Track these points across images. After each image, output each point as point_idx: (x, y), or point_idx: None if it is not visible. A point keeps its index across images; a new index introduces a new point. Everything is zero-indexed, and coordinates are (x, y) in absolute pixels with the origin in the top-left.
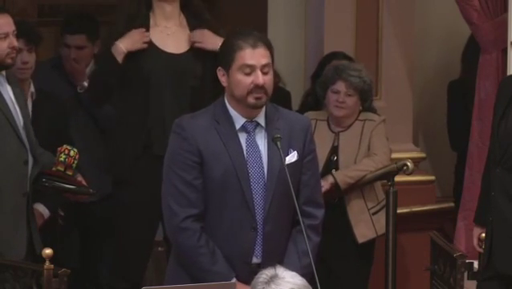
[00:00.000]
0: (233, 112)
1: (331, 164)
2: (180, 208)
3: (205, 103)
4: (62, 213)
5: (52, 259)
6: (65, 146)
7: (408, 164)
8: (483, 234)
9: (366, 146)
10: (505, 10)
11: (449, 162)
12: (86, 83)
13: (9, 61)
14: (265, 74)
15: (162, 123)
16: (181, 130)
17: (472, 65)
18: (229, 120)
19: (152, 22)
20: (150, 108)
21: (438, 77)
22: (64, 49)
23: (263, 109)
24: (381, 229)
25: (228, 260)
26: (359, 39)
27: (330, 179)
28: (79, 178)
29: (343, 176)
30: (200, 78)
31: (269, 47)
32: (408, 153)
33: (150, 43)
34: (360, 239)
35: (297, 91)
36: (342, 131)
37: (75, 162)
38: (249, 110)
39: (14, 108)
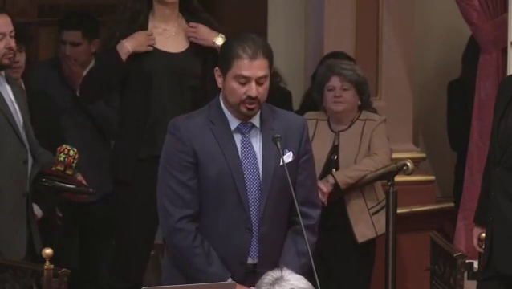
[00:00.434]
0: (228, 113)
1: (332, 164)
2: (175, 208)
3: (206, 102)
4: (60, 214)
5: (52, 259)
6: (64, 146)
7: (408, 164)
8: (483, 234)
9: (366, 146)
10: (505, 10)
11: (449, 162)
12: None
13: (6, 61)
14: (260, 85)
15: (163, 123)
16: (176, 130)
17: (472, 65)
18: (224, 121)
19: (151, 24)
20: (151, 109)
21: (438, 77)
22: (61, 46)
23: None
24: (381, 229)
25: (223, 261)
26: (359, 39)
27: (330, 179)
28: (79, 178)
29: (343, 176)
30: (200, 77)
31: (268, 56)
32: (408, 153)
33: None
34: (360, 239)
35: (297, 91)
36: (342, 130)
37: (75, 162)
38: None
39: (14, 108)
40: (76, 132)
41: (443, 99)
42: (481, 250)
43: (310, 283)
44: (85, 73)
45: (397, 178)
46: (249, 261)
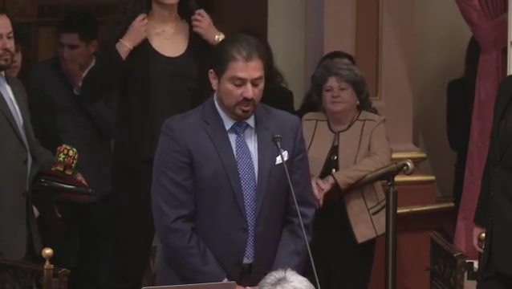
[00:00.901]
0: (222, 114)
1: (331, 164)
2: (170, 209)
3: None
4: (59, 215)
5: (52, 259)
6: (64, 146)
7: (408, 164)
8: (483, 234)
9: (366, 146)
10: (505, 10)
11: (449, 162)
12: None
13: (2, 62)
14: (255, 86)
15: (159, 124)
16: (171, 131)
17: (473, 65)
18: (219, 121)
19: (150, 24)
20: (150, 111)
21: (438, 77)
22: (59, 48)
23: None
24: (381, 230)
25: (219, 261)
26: (359, 39)
27: (330, 180)
28: (79, 178)
29: (343, 176)
30: (197, 79)
31: (263, 56)
32: (408, 153)
33: (148, 47)
34: (360, 239)
35: (297, 91)
36: (342, 130)
37: (75, 162)
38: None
39: (14, 108)
40: (76, 133)
41: (443, 99)
42: (481, 250)
43: (312, 285)
44: (85, 74)
45: (397, 178)
46: (245, 261)
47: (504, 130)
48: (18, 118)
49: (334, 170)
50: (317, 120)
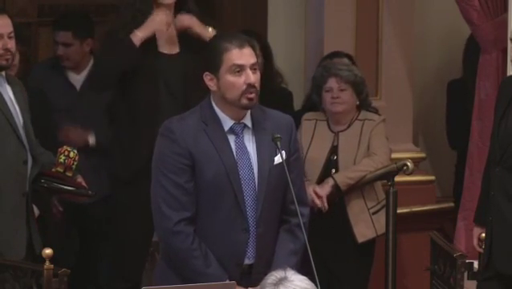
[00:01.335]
0: (221, 115)
1: (331, 164)
2: (172, 211)
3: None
4: (61, 209)
5: (52, 259)
6: (65, 147)
7: (408, 164)
8: (483, 234)
9: (365, 146)
10: (505, 10)
11: (449, 162)
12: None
13: (3, 62)
14: (254, 72)
15: (159, 124)
16: (171, 133)
17: (472, 65)
18: (218, 123)
19: None
20: (147, 109)
21: (438, 77)
22: (55, 46)
23: (249, 111)
24: (381, 229)
25: (220, 262)
26: (359, 39)
27: (330, 181)
28: (79, 179)
29: (343, 177)
30: (192, 77)
31: (253, 47)
32: (408, 153)
33: (153, 45)
34: (360, 239)
35: (297, 91)
36: (341, 130)
37: (75, 163)
38: (239, 112)
39: (14, 108)
40: None
41: (443, 99)
42: (481, 250)
43: (313, 284)
44: (85, 75)
45: (397, 178)
46: (246, 262)
47: (504, 130)
48: (18, 118)
49: (334, 170)
50: (316, 120)
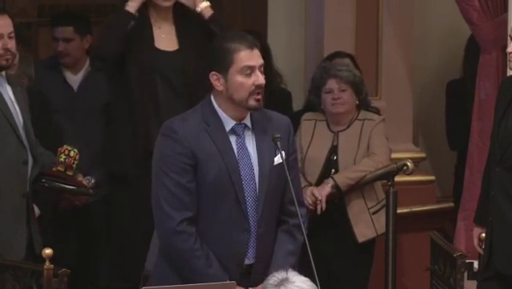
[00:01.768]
0: (222, 115)
1: (331, 164)
2: (174, 211)
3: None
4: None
5: (52, 259)
6: (65, 146)
7: (408, 164)
8: (483, 234)
9: (365, 146)
10: (505, 10)
11: (449, 162)
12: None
13: (3, 62)
14: (262, 73)
15: (157, 119)
16: (173, 133)
17: (471, 65)
18: (219, 123)
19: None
20: (145, 105)
21: (438, 77)
22: (54, 43)
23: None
24: (381, 229)
25: (220, 262)
26: (359, 39)
27: (330, 182)
28: (80, 178)
29: (344, 177)
30: (192, 75)
31: (258, 48)
32: (408, 153)
33: (149, 42)
34: (360, 239)
35: (297, 91)
36: (341, 130)
37: (76, 162)
38: (242, 112)
39: (14, 108)
40: (74, 133)
41: (443, 99)
42: (481, 251)
43: (314, 285)
44: (82, 76)
45: (397, 178)
46: (246, 262)
47: (504, 130)
48: (18, 118)
49: (333, 170)
50: (316, 120)
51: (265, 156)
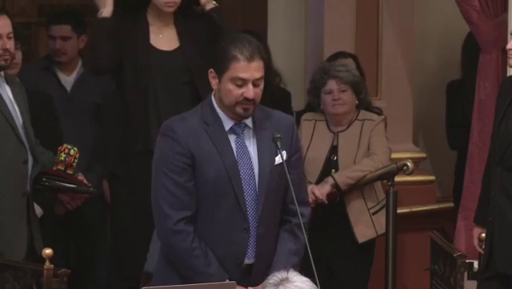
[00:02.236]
0: (221, 114)
1: (331, 164)
2: (173, 210)
3: (199, 99)
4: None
5: (52, 259)
6: (65, 145)
7: (408, 164)
8: (483, 234)
9: (365, 146)
10: (505, 10)
11: (449, 162)
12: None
13: (2, 63)
14: (256, 86)
15: (157, 119)
16: (172, 132)
17: (471, 65)
18: (219, 122)
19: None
20: (144, 105)
21: (438, 77)
22: (50, 41)
23: None
24: (381, 229)
25: (220, 261)
26: (359, 39)
27: (330, 181)
28: (80, 177)
29: (344, 177)
30: (193, 73)
31: (263, 57)
32: (408, 153)
33: (145, 41)
34: (360, 239)
35: (297, 91)
36: (341, 131)
37: (76, 161)
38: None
39: (14, 108)
40: (69, 133)
41: (443, 99)
42: (481, 250)
43: (315, 286)
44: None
45: (397, 178)
46: (246, 261)
47: (505, 130)
48: (18, 118)
49: (333, 171)
50: (316, 120)
51: (265, 156)
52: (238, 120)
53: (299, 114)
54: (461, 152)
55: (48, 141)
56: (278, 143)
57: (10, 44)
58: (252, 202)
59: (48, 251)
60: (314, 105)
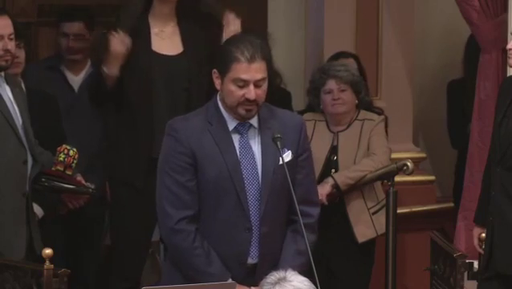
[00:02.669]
0: (225, 114)
1: (331, 164)
2: (174, 210)
3: (200, 104)
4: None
5: (52, 259)
6: (64, 146)
7: (408, 164)
8: (483, 234)
9: (365, 146)
10: (505, 10)
11: (449, 162)
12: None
13: (3, 63)
14: (258, 87)
15: (160, 125)
16: (174, 132)
17: (472, 65)
18: (222, 122)
19: (150, 22)
20: (147, 110)
21: (438, 77)
22: (61, 39)
23: None
24: (381, 229)
25: (223, 261)
26: (359, 39)
27: (330, 181)
28: (79, 178)
29: (344, 177)
30: (194, 80)
31: (266, 58)
32: (408, 153)
33: (146, 45)
34: (360, 239)
35: (297, 91)
36: (341, 131)
37: (75, 162)
38: None
39: (13, 109)
40: (76, 133)
41: (443, 99)
42: (481, 250)
43: (313, 285)
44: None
45: (397, 178)
46: (250, 261)
47: (505, 130)
48: (18, 118)
49: (333, 171)
50: (316, 121)
51: (269, 156)
52: (242, 120)
53: (299, 114)
54: (461, 152)
55: (50, 141)
56: (278, 143)
57: (12, 45)
58: (255, 202)
59: (48, 251)
60: (313, 105)
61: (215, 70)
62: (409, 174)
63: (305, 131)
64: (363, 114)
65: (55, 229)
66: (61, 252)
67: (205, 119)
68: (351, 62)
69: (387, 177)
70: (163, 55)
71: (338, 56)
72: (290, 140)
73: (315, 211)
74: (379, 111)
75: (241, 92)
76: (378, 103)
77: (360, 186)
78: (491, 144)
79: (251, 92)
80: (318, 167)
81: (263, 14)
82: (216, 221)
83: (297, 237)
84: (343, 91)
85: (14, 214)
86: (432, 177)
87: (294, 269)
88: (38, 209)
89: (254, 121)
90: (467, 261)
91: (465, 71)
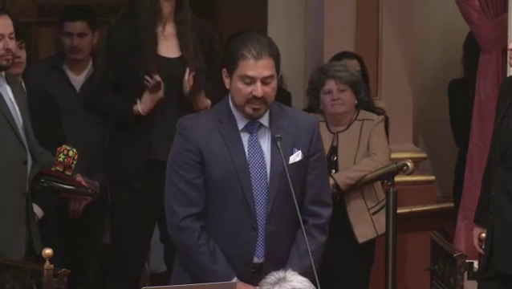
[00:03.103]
0: (236, 113)
1: (331, 165)
2: (180, 207)
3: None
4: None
5: (52, 259)
6: (64, 146)
7: (408, 164)
8: (483, 234)
9: (365, 146)
10: (505, 10)
11: (449, 162)
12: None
13: (4, 63)
14: (266, 84)
15: (160, 127)
16: (183, 130)
17: (472, 64)
18: (232, 121)
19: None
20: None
21: (438, 76)
22: (65, 39)
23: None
24: (381, 229)
25: (229, 260)
26: (359, 39)
27: (330, 181)
28: (78, 178)
29: (344, 177)
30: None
31: (273, 55)
32: (408, 153)
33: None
34: (360, 239)
35: (297, 91)
36: (341, 131)
37: (74, 162)
38: None
39: (14, 109)
40: (74, 134)
41: (443, 99)
42: (482, 250)
43: (313, 285)
44: (84, 76)
45: (397, 178)
46: (256, 260)
47: (505, 130)
48: (18, 118)
49: (333, 171)
50: None
51: (278, 155)
52: (251, 119)
53: None
54: (461, 152)
55: (50, 141)
56: (278, 143)
57: (12, 44)
58: (262, 201)
59: (48, 251)
60: (313, 106)
61: (224, 69)
62: (409, 174)
63: (318, 132)
64: (363, 114)
65: (55, 229)
66: (61, 252)
67: (216, 117)
68: (354, 63)
69: (387, 177)
70: (163, 57)
71: (341, 56)
72: (300, 140)
73: (326, 212)
74: (381, 112)
75: (248, 89)
76: (378, 104)
77: (360, 186)
78: (491, 144)
79: (258, 89)
80: None
81: (263, 14)
82: (222, 219)
83: (307, 237)
84: (342, 91)
85: (14, 214)
86: (432, 177)
87: (302, 269)
88: (37, 210)
89: (265, 120)
90: (467, 261)
91: (465, 71)
